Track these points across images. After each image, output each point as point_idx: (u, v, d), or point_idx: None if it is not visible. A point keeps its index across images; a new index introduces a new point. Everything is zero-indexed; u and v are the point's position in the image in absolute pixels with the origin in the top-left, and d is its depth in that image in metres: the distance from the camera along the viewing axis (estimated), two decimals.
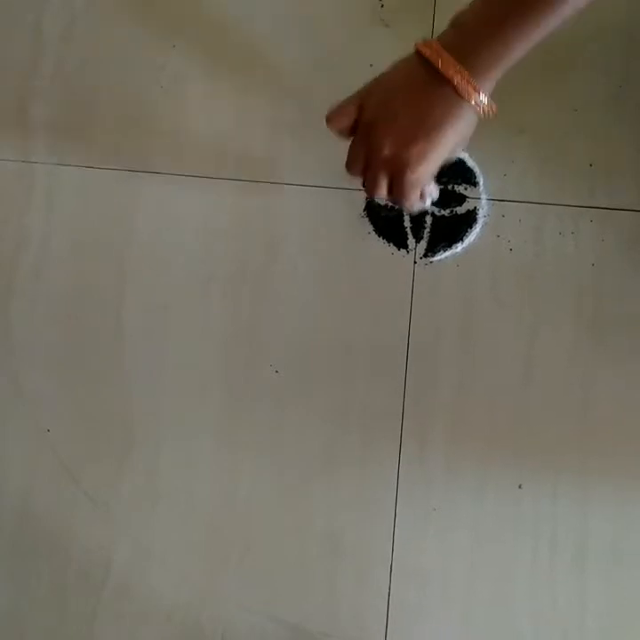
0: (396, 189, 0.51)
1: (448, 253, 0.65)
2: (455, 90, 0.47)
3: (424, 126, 0.49)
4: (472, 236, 0.65)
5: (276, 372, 0.65)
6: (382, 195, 0.52)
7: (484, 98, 0.47)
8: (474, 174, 0.65)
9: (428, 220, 0.65)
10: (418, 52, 0.49)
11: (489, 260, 0.65)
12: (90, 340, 0.67)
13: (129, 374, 0.66)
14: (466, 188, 0.65)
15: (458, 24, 0.48)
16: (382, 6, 0.66)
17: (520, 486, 0.63)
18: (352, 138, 0.52)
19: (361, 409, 0.65)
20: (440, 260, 0.65)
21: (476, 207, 0.65)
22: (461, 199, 0.65)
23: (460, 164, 0.65)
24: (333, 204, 0.65)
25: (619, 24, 0.65)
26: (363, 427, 0.65)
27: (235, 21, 0.67)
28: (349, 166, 0.52)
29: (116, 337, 0.66)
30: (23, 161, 0.67)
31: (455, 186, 0.65)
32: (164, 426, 0.66)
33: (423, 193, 0.54)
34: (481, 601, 0.63)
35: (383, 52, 0.65)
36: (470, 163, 0.65)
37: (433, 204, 0.57)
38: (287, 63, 0.66)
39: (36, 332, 0.67)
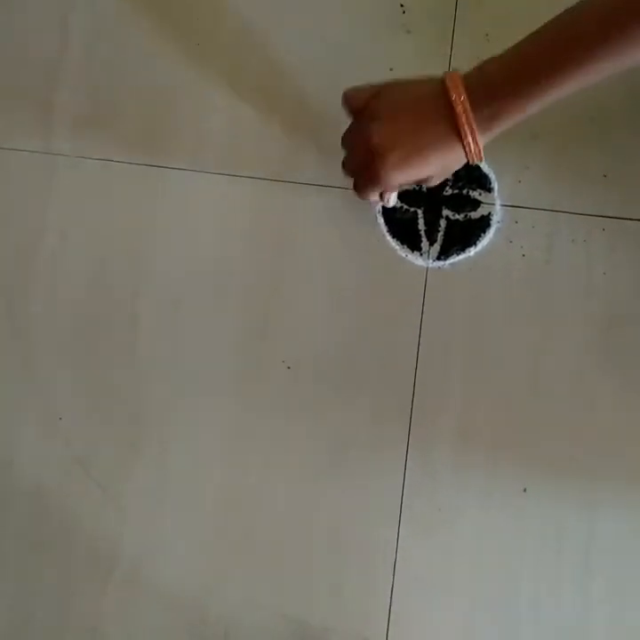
0: (364, 176, 0.56)
1: (461, 257, 0.66)
2: (456, 128, 0.50)
3: (415, 143, 0.53)
4: (485, 241, 0.66)
5: (288, 368, 0.66)
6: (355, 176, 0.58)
7: (475, 145, 0.51)
8: (489, 180, 0.66)
9: (443, 223, 0.66)
10: (443, 81, 0.51)
11: (501, 266, 0.66)
12: (104, 330, 0.68)
13: (142, 365, 0.67)
14: (480, 194, 0.66)
15: (483, 71, 0.51)
16: (404, 12, 0.67)
17: (525, 490, 0.64)
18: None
19: (369, 408, 0.65)
20: (453, 264, 0.66)
21: (489, 212, 0.66)
22: (476, 204, 0.66)
23: (475, 169, 0.66)
24: (349, 204, 0.66)
25: None
26: (370, 425, 0.65)
27: (258, 23, 0.68)
28: (343, 141, 0.58)
29: (130, 328, 0.67)
30: (45, 152, 0.69)
31: (470, 191, 0.66)
32: (175, 417, 0.67)
33: (383, 195, 0.60)
34: (484, 601, 0.64)
35: (403, 56, 0.67)
36: (485, 168, 0.66)
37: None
38: (308, 65, 0.67)
39: (50, 321, 0.68)
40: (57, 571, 0.67)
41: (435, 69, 0.65)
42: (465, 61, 0.53)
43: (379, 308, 0.66)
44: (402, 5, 0.67)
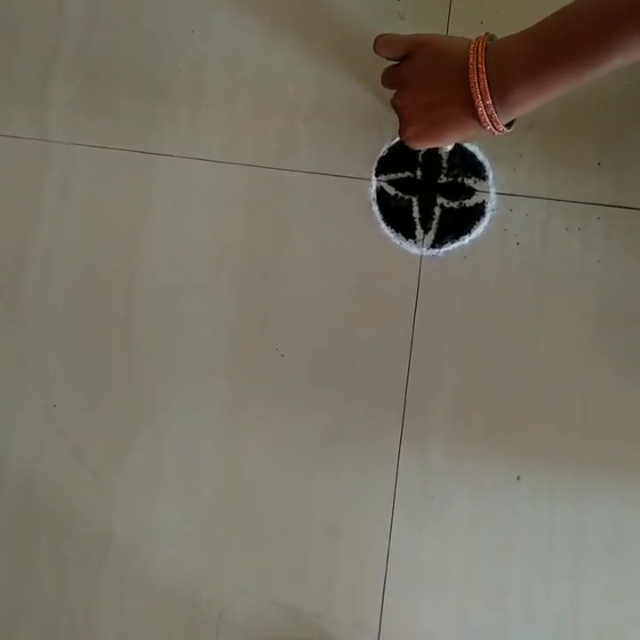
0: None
1: (455, 245, 0.66)
2: (471, 98, 0.51)
3: (431, 119, 0.54)
4: (480, 229, 0.66)
5: (282, 356, 0.66)
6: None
7: (489, 114, 0.51)
8: (484, 168, 0.66)
9: (437, 211, 0.66)
10: (468, 47, 0.51)
11: (496, 254, 0.65)
12: (99, 318, 0.68)
13: (137, 352, 0.67)
14: (475, 182, 0.66)
15: (502, 51, 0.50)
16: None
17: (518, 478, 0.64)
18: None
19: (363, 396, 0.65)
20: (447, 252, 0.66)
21: (484, 200, 0.66)
22: (470, 192, 0.66)
23: (470, 157, 0.65)
24: (344, 192, 0.66)
25: None
26: (364, 414, 0.65)
27: (254, 9, 0.68)
28: (384, 83, 0.61)
29: (125, 316, 0.67)
30: (40, 139, 0.68)
31: (465, 179, 0.66)
32: (170, 405, 0.67)
33: None
34: (476, 590, 0.64)
35: None
36: (480, 156, 0.66)
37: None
38: (304, 52, 0.67)
39: (46, 308, 0.68)
40: (50, 557, 0.67)
41: None
42: None
43: (372, 296, 0.66)
44: None
